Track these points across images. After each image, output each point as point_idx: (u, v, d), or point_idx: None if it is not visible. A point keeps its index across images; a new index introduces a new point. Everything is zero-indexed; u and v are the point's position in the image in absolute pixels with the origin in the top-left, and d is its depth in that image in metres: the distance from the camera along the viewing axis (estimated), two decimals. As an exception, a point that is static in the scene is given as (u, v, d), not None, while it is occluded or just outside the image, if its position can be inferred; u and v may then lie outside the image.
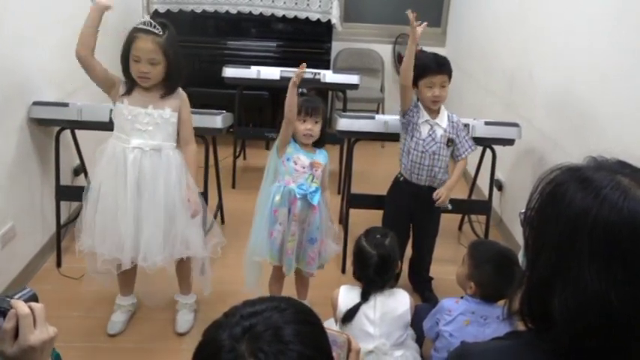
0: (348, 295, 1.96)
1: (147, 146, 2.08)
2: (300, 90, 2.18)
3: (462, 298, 1.89)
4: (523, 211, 0.87)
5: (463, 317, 1.81)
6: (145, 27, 2.00)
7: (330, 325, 2.05)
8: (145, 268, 2.14)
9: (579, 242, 0.74)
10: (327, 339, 0.86)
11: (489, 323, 1.79)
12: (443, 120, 2.41)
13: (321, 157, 2.21)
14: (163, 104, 2.10)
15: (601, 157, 0.83)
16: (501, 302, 1.83)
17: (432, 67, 2.33)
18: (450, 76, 2.38)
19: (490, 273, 1.81)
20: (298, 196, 2.13)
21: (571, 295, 0.74)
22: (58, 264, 2.74)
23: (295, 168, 2.15)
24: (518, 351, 0.84)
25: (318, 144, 2.23)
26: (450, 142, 2.42)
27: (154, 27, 2.01)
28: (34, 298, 0.93)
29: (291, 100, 2.09)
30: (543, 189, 0.83)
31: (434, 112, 2.41)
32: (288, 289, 2.42)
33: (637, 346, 0.74)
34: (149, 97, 2.09)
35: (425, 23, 2.30)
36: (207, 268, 2.32)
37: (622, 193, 0.73)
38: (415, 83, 2.38)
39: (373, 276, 1.92)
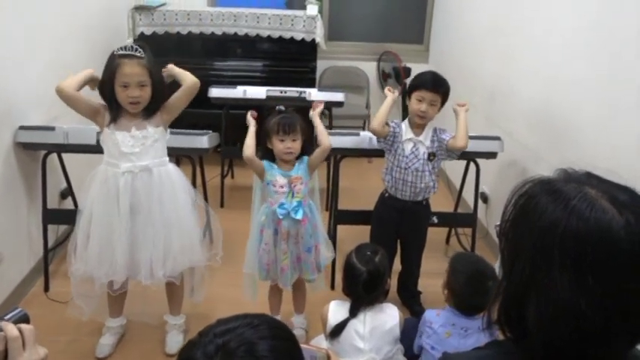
0: (338, 310, 1.97)
1: (137, 168, 2.08)
2: (277, 107, 2.20)
3: (443, 309, 1.91)
4: (499, 223, 0.90)
5: (444, 329, 1.84)
6: (126, 52, 2.01)
7: (320, 341, 2.06)
8: (150, 285, 2.16)
9: (550, 253, 0.76)
10: (302, 354, 0.88)
11: (470, 334, 1.81)
12: (427, 138, 2.45)
13: (300, 170, 2.20)
14: (145, 124, 2.10)
15: (571, 169, 0.86)
16: (482, 314, 1.86)
17: (427, 84, 2.39)
18: (443, 98, 2.42)
19: (462, 282, 1.85)
20: (281, 217, 2.15)
21: (544, 305, 0.76)
22: (46, 288, 2.72)
23: (275, 190, 2.17)
24: (497, 360, 0.86)
25: (299, 156, 2.22)
26: (431, 155, 2.45)
27: (136, 50, 2.02)
28: (24, 318, 0.91)
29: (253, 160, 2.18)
30: (516, 201, 0.85)
31: (418, 129, 2.45)
32: (288, 303, 2.44)
33: (609, 354, 0.77)
34: (132, 119, 2.09)
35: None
36: (204, 278, 2.35)
37: (589, 204, 0.76)
38: (409, 94, 2.44)
39: (362, 292, 1.94)
